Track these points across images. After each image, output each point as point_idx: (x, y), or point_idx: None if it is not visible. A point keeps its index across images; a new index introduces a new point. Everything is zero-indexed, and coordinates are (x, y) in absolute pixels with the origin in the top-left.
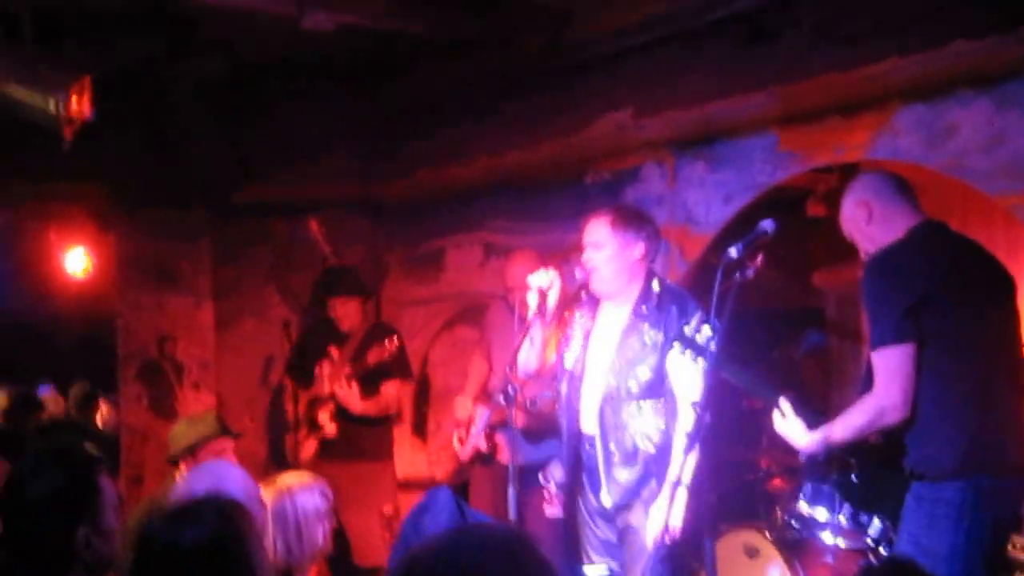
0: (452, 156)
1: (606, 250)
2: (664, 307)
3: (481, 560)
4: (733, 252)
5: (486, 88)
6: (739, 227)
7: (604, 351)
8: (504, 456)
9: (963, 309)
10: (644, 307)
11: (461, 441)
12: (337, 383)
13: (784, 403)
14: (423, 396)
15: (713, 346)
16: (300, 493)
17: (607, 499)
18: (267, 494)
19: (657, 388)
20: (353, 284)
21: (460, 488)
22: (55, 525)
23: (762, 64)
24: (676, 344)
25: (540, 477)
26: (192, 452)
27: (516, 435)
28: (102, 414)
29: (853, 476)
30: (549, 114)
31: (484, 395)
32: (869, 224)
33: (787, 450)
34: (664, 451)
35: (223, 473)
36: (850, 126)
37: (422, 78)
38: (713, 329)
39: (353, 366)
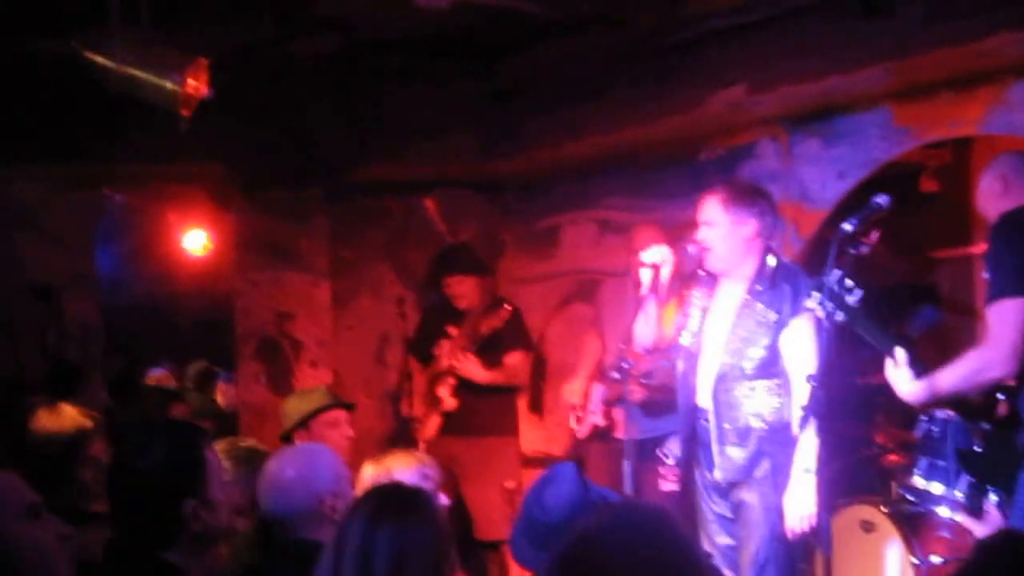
0: (567, 134)
1: (719, 228)
2: (778, 285)
3: (642, 536)
4: (848, 226)
5: (601, 66)
6: (853, 203)
7: (720, 329)
8: (621, 432)
9: None
10: (758, 285)
11: (578, 420)
12: (455, 357)
13: (900, 352)
14: (539, 373)
15: (853, 298)
16: (398, 473)
17: (719, 474)
18: (371, 473)
19: (771, 367)
20: (469, 262)
21: (578, 464)
22: (162, 498)
23: (876, 39)
24: (815, 294)
25: (658, 451)
26: (305, 425)
27: (632, 410)
28: (221, 392)
29: (976, 447)
30: (663, 91)
31: (598, 373)
32: (1003, 198)
33: (902, 425)
34: (778, 431)
35: (312, 454)
36: (964, 101)
37: (537, 56)
38: (853, 284)
39: (471, 340)
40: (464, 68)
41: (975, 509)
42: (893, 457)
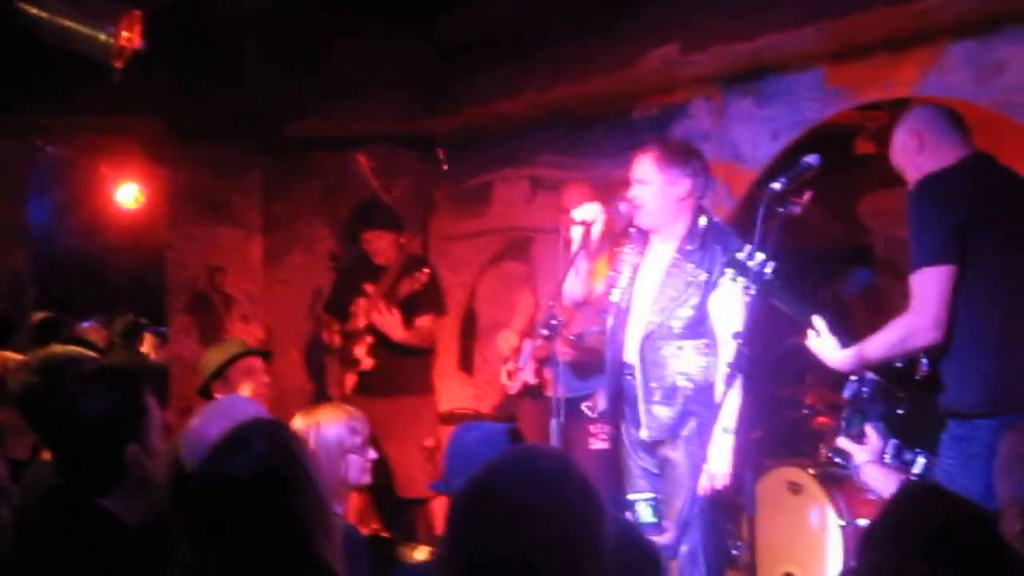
0: (501, 91)
1: (652, 186)
2: (708, 246)
3: (542, 478)
4: (777, 185)
5: (536, 23)
6: (786, 164)
7: (649, 287)
8: (551, 390)
9: (1005, 240)
10: (689, 245)
11: (510, 375)
12: (376, 311)
13: (819, 320)
14: (469, 330)
15: (768, 270)
16: (325, 426)
17: (645, 433)
18: (300, 425)
19: (699, 327)
20: (386, 218)
21: (507, 421)
22: (108, 443)
23: None
24: (728, 270)
25: (585, 409)
26: (222, 375)
27: (561, 368)
28: (149, 346)
29: (899, 410)
30: (598, 49)
31: (531, 329)
32: (919, 154)
33: (831, 387)
34: (704, 391)
35: (235, 408)
36: (899, 62)
37: (473, 13)
38: (766, 256)
39: (388, 299)
40: (400, 24)
41: (902, 472)
42: (822, 419)
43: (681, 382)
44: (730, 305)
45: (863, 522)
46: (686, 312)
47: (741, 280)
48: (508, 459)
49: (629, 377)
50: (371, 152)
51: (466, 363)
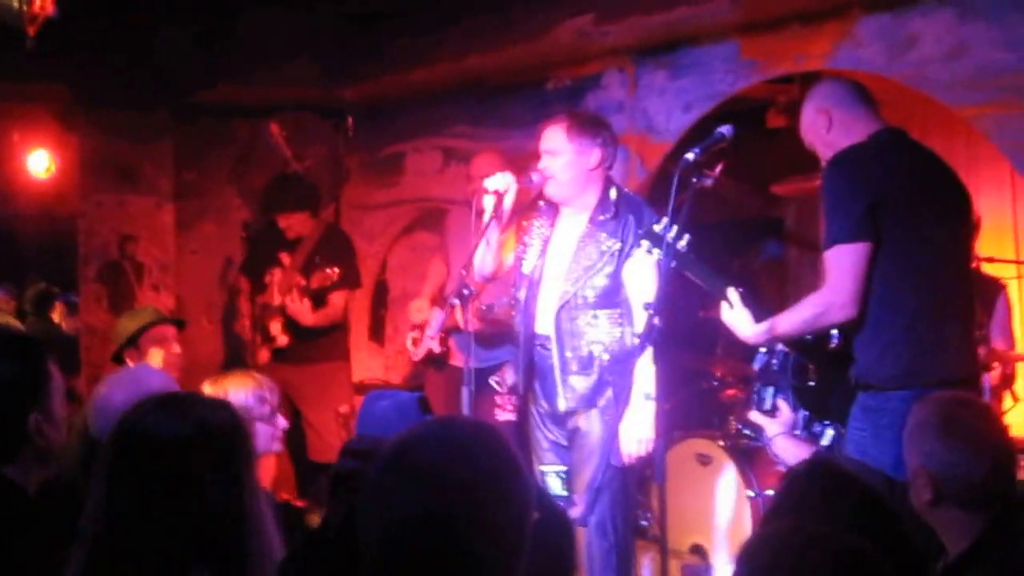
0: (414, 60)
1: (562, 157)
2: (621, 216)
3: (466, 446)
4: (690, 156)
5: None
6: (699, 136)
7: (561, 258)
8: (457, 360)
9: (918, 216)
10: (601, 215)
11: (416, 343)
12: (288, 296)
13: (732, 293)
14: (380, 300)
15: (683, 243)
16: (233, 394)
17: (562, 404)
18: (208, 393)
19: (613, 297)
20: (298, 199)
21: (415, 391)
22: (8, 410)
23: None
24: (644, 242)
25: (492, 381)
26: (135, 343)
27: (469, 339)
28: (60, 314)
29: (810, 382)
30: (511, 19)
31: (440, 299)
32: (829, 131)
33: (742, 359)
34: (620, 360)
35: (141, 377)
36: (812, 35)
37: None
38: (680, 228)
39: (304, 277)
40: None
41: (811, 444)
42: (732, 391)
43: (597, 351)
44: (643, 274)
45: (771, 493)
46: (600, 281)
47: (656, 252)
48: (428, 425)
49: (541, 349)
50: (283, 120)
51: (377, 333)
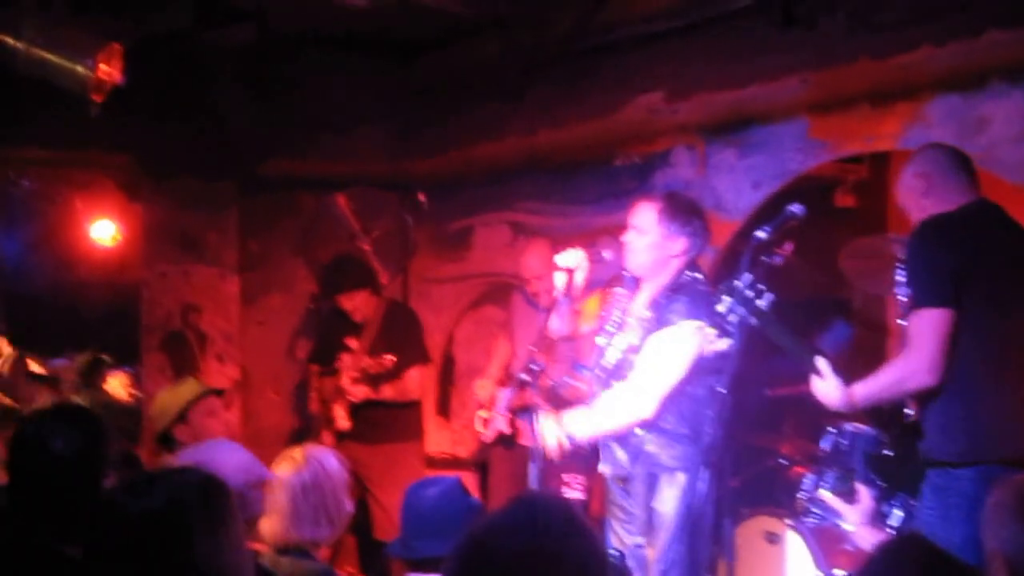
0: (482, 135)
1: (647, 237)
2: (676, 297)
3: (542, 522)
4: (761, 234)
5: (518, 67)
6: (767, 215)
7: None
8: (525, 439)
9: (999, 291)
10: (662, 297)
11: (484, 423)
12: (349, 387)
13: (822, 362)
14: (447, 375)
15: (762, 301)
16: (327, 460)
17: (607, 468)
18: (287, 466)
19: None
20: (356, 276)
21: (480, 468)
22: (72, 485)
23: (796, 49)
24: (725, 298)
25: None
26: (184, 419)
27: (536, 418)
28: (123, 384)
29: (885, 451)
30: (580, 95)
31: (507, 377)
32: (925, 196)
33: (809, 437)
34: (659, 432)
35: (219, 456)
36: (882, 115)
37: (454, 55)
38: (764, 287)
39: (370, 362)
40: (381, 64)
41: (879, 524)
42: (798, 468)
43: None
44: (654, 349)
45: (840, 573)
46: (615, 356)
47: (739, 310)
48: (513, 507)
49: None
50: (350, 193)
51: (443, 407)
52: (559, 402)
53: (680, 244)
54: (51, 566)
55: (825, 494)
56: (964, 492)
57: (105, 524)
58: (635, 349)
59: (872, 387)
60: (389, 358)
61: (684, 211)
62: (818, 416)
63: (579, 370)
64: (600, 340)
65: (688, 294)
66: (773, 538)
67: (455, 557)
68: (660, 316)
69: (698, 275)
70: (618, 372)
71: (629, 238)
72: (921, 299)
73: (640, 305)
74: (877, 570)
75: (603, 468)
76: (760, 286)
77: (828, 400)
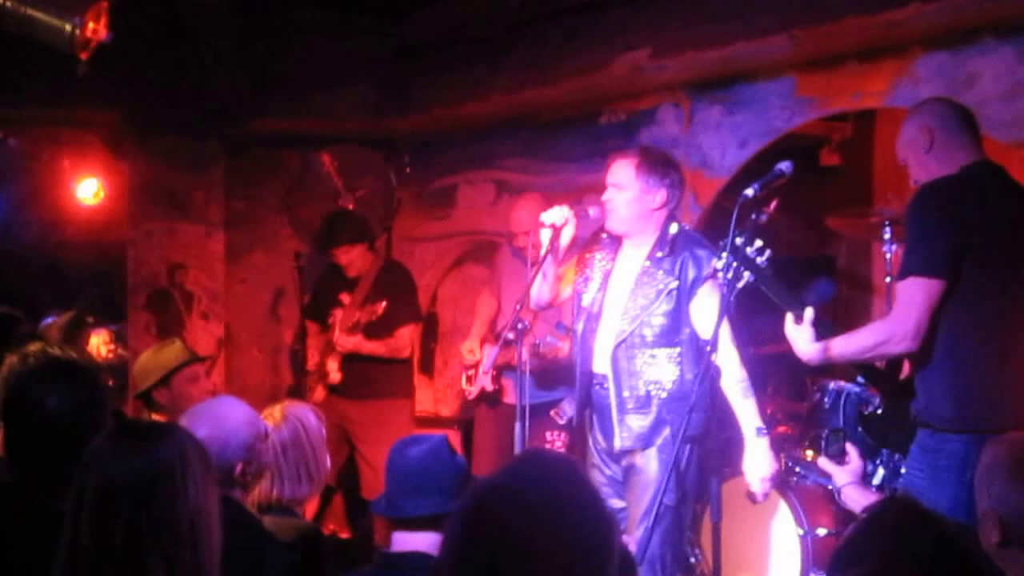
0: (467, 93)
1: (627, 192)
2: (679, 253)
3: (549, 482)
4: (750, 191)
5: (503, 25)
6: (754, 173)
7: (619, 294)
8: (510, 397)
9: (1002, 264)
10: (659, 252)
11: (470, 380)
12: (339, 337)
13: (809, 311)
14: (431, 333)
15: (763, 259)
16: (309, 418)
17: (619, 442)
18: (272, 422)
19: (672, 336)
20: (354, 230)
21: (464, 426)
22: (68, 439)
23: (783, 6)
24: (723, 255)
25: (552, 412)
26: (167, 382)
27: (523, 376)
28: (104, 342)
29: (877, 410)
30: (566, 53)
31: (491, 334)
32: (927, 153)
33: (792, 396)
34: (677, 399)
35: (231, 413)
36: (870, 72)
37: (440, 13)
38: (763, 244)
39: (362, 312)
40: (367, 23)
41: (838, 454)
42: (782, 428)
43: (655, 391)
44: (709, 312)
45: (822, 531)
46: (658, 320)
47: (738, 267)
48: (517, 465)
49: (599, 388)
50: (335, 151)
51: (427, 366)
52: (540, 360)
53: (660, 196)
54: (49, 523)
55: (822, 461)
56: (954, 453)
57: (90, 485)
58: (675, 313)
59: (851, 345)
60: (382, 305)
61: (661, 163)
62: (802, 375)
63: (560, 329)
64: (584, 301)
65: (697, 244)
66: (755, 497)
67: (459, 515)
68: (672, 271)
69: (686, 226)
70: (666, 339)
71: (609, 196)
72: (916, 266)
73: (632, 263)
74: (866, 532)
75: (614, 443)
76: (759, 242)
77: (797, 347)
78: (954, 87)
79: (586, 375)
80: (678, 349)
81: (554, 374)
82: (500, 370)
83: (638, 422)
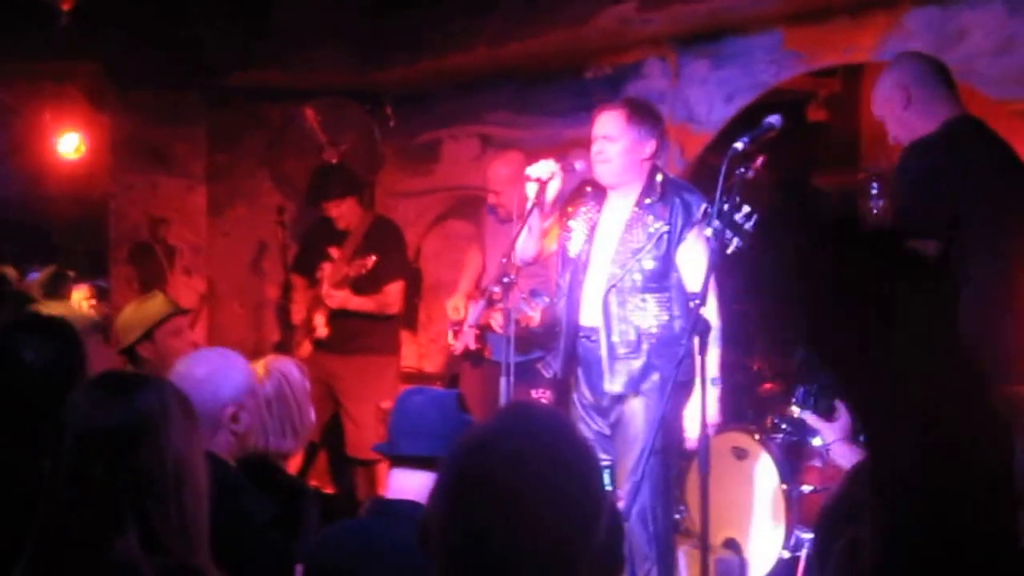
0: (451, 46)
1: (619, 143)
2: (668, 199)
3: (541, 431)
4: (739, 145)
5: None
6: (740, 127)
7: (608, 243)
8: (493, 354)
9: (989, 219)
10: (648, 199)
11: (456, 335)
12: (327, 291)
13: None
14: (414, 289)
15: (751, 224)
16: (292, 372)
17: (608, 386)
18: (258, 376)
19: (662, 281)
20: (344, 184)
21: (450, 382)
22: (46, 395)
23: None
24: (715, 222)
25: (539, 365)
26: (150, 336)
27: (509, 326)
28: (85, 297)
29: None
30: (552, 5)
31: (477, 290)
32: (905, 109)
33: (779, 352)
34: (666, 344)
35: (231, 361)
36: (859, 26)
37: None
38: (751, 209)
39: (350, 266)
40: None
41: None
42: (769, 385)
43: (645, 336)
44: (695, 259)
45: (807, 488)
46: (648, 264)
47: (726, 232)
48: (503, 414)
49: (586, 341)
50: (318, 105)
51: (410, 321)
52: (522, 326)
53: (651, 146)
54: (28, 478)
55: (810, 418)
56: None
57: (69, 435)
58: (664, 256)
59: None
60: (371, 259)
61: (649, 113)
62: (784, 331)
63: (535, 297)
64: (571, 251)
65: (685, 190)
66: (741, 453)
67: (447, 463)
68: (661, 216)
69: (672, 176)
70: (656, 283)
71: (599, 147)
72: (912, 229)
73: (620, 213)
74: (856, 489)
75: (604, 386)
76: (746, 207)
77: None
78: (944, 42)
79: (572, 327)
80: (667, 294)
81: (528, 338)
82: (483, 329)
83: (628, 366)
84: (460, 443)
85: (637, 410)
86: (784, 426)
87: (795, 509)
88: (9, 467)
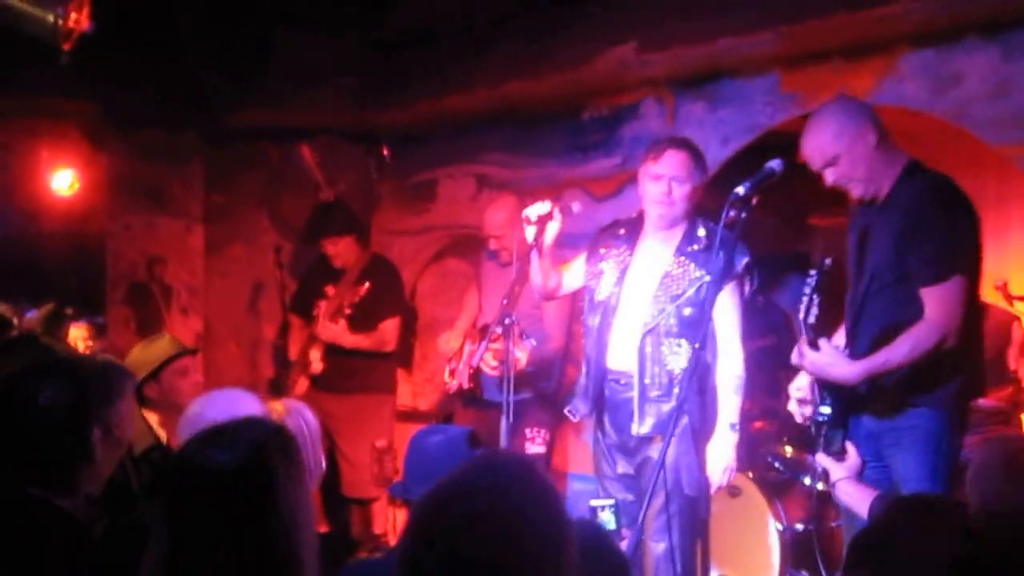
0: (450, 86)
1: (687, 185)
2: (713, 248)
3: (511, 488)
4: (740, 190)
5: (487, 18)
6: (736, 169)
7: (645, 286)
8: (490, 394)
9: None
10: (691, 246)
11: (452, 374)
12: (321, 323)
13: (824, 342)
14: (410, 327)
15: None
16: (307, 413)
17: (640, 428)
18: (275, 416)
19: (697, 328)
20: (343, 222)
21: (444, 420)
22: (62, 435)
23: (770, 3)
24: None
25: (566, 410)
26: (155, 376)
27: (508, 370)
28: (83, 337)
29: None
30: (551, 47)
31: (475, 330)
32: (876, 148)
33: (768, 392)
34: (696, 391)
35: (237, 398)
36: (855, 69)
37: (423, 6)
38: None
39: (347, 300)
40: (349, 16)
41: (838, 452)
42: (759, 423)
43: (677, 379)
44: (728, 309)
45: (800, 527)
46: (687, 311)
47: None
48: (470, 468)
49: (614, 384)
50: (315, 144)
51: (405, 359)
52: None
53: (699, 188)
54: (45, 519)
55: (820, 457)
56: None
57: (186, 480)
58: (702, 303)
59: (900, 353)
60: (364, 287)
61: (702, 156)
62: (777, 371)
63: (523, 339)
64: (600, 295)
65: (723, 246)
66: (735, 491)
67: (414, 517)
68: (704, 265)
69: (712, 224)
70: (691, 330)
71: (665, 188)
72: (959, 266)
73: (658, 256)
74: (890, 529)
75: (623, 434)
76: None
77: (837, 374)
78: (939, 85)
79: (600, 370)
80: (699, 342)
81: (516, 378)
82: (476, 370)
83: (659, 409)
84: (428, 495)
85: (669, 452)
86: (776, 465)
87: (788, 547)
88: (29, 508)
